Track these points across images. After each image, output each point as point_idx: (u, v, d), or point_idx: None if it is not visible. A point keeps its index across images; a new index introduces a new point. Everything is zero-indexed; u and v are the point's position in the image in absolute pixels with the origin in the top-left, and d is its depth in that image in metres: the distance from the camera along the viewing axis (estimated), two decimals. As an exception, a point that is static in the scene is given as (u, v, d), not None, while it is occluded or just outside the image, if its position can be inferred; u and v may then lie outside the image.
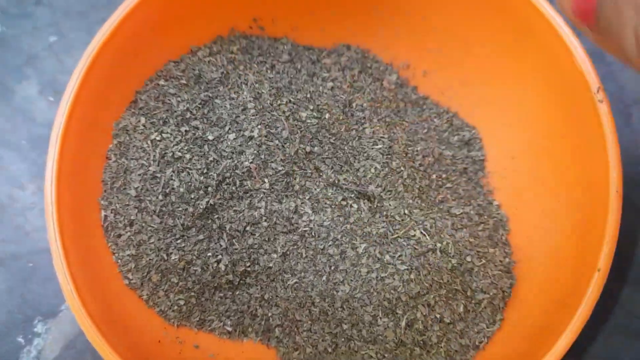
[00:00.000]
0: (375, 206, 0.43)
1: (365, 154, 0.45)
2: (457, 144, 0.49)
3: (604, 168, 0.37)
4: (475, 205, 0.46)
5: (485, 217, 0.46)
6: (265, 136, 0.43)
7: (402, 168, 0.45)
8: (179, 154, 0.42)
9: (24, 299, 0.49)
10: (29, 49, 0.54)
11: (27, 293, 0.49)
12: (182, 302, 0.43)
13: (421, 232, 0.42)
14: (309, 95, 0.46)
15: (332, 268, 0.42)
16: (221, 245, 0.43)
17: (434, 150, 0.48)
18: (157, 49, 0.45)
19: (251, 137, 0.43)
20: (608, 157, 0.38)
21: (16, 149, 0.52)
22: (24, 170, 0.51)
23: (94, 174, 0.43)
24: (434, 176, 0.47)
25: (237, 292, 0.43)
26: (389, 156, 0.45)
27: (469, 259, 0.42)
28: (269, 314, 0.43)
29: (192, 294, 0.43)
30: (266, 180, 0.43)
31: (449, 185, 0.47)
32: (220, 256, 0.43)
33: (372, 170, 0.44)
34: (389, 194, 0.44)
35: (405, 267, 0.41)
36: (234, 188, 0.42)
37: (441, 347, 0.41)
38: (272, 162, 0.43)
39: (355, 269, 0.42)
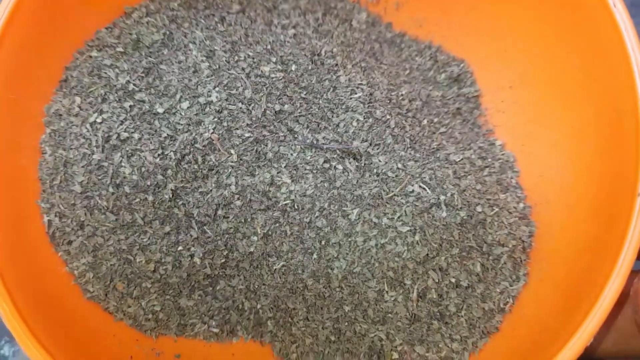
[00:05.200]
0: (363, 164, 0.37)
1: (344, 106, 0.38)
2: (446, 82, 0.43)
3: (629, 81, 0.31)
4: (476, 149, 0.41)
5: (490, 159, 0.40)
6: (226, 99, 0.36)
7: (387, 117, 0.38)
8: (126, 134, 0.36)
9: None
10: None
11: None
12: (157, 308, 0.37)
13: (420, 186, 0.36)
14: (269, 47, 0.39)
15: (323, 243, 0.36)
16: (192, 236, 0.36)
17: (421, 92, 0.42)
18: (83, 14, 0.38)
19: (209, 103, 0.36)
20: (632, 67, 0.31)
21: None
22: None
23: (27, 173, 0.36)
24: (424, 121, 0.41)
25: (218, 287, 0.38)
26: (371, 105, 0.38)
27: (479, 209, 0.37)
28: (258, 306, 0.38)
29: (168, 297, 0.37)
30: (233, 151, 0.36)
31: (442, 129, 0.41)
32: (192, 248, 0.36)
33: (354, 123, 0.38)
34: (377, 148, 0.38)
35: (408, 229, 0.35)
36: (196, 166, 0.36)
37: (461, 315, 0.35)
38: (236, 129, 0.36)
39: (349, 239, 0.36)
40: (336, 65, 0.40)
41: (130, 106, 0.36)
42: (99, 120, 0.36)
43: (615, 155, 0.33)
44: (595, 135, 0.35)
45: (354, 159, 0.37)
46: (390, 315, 0.35)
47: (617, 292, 0.29)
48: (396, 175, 0.37)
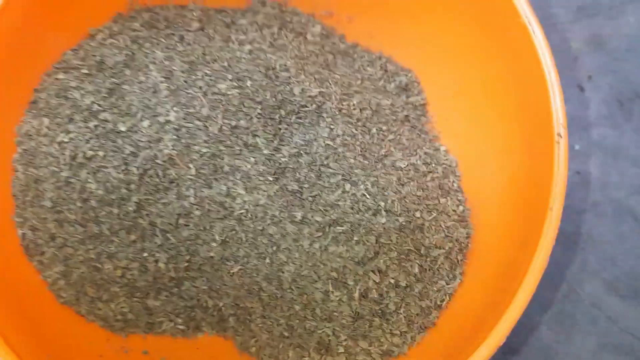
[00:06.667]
0: (319, 171, 0.40)
1: (295, 117, 0.41)
2: (395, 91, 0.46)
3: (544, 99, 0.34)
4: (421, 154, 0.44)
5: (433, 165, 0.43)
6: (183, 118, 0.39)
7: (337, 126, 0.41)
8: (91, 152, 0.39)
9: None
10: None
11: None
12: (126, 310, 0.40)
13: (362, 194, 0.39)
14: (226, 64, 0.42)
15: (275, 248, 0.39)
16: (156, 243, 0.39)
17: (371, 102, 0.44)
18: (50, 37, 0.41)
19: (167, 122, 0.39)
20: (547, 86, 0.34)
21: None
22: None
23: (3, 190, 0.39)
24: (374, 130, 0.43)
25: (183, 287, 0.41)
26: (320, 116, 0.41)
27: (417, 214, 0.40)
28: (220, 304, 0.41)
29: (135, 299, 0.40)
30: (191, 165, 0.39)
31: (391, 137, 0.44)
32: (157, 254, 0.40)
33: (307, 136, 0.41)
34: (329, 157, 0.41)
35: (347, 228, 0.38)
36: (157, 180, 0.39)
37: (400, 313, 0.39)
38: (194, 145, 0.39)
39: (297, 244, 0.39)
40: (289, 77, 0.42)
41: (95, 125, 0.39)
42: (66, 139, 0.39)
43: (535, 162, 0.36)
44: (520, 144, 0.38)
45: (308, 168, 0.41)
46: (335, 313, 0.39)
47: (535, 283, 0.33)
48: (344, 180, 0.40)
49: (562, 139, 0.33)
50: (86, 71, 0.41)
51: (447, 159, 0.44)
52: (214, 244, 0.40)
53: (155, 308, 0.41)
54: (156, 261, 0.40)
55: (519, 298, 0.33)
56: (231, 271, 0.40)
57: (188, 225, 0.39)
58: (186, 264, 0.40)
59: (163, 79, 0.40)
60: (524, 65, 0.37)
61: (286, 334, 0.40)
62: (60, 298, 0.39)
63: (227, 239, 0.40)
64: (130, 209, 0.39)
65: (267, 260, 0.39)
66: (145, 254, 0.39)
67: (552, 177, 0.34)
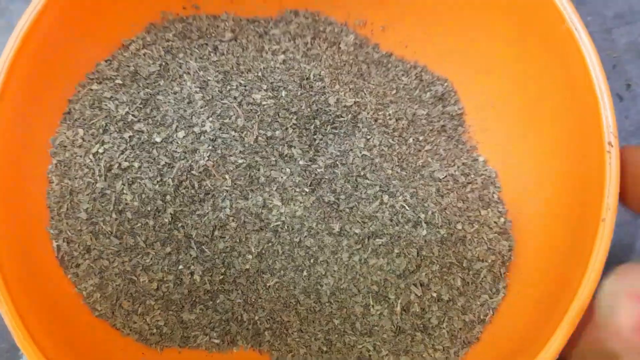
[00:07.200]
0: (356, 182, 0.39)
1: (331, 127, 0.41)
2: (431, 101, 0.45)
3: (594, 107, 0.33)
4: (459, 165, 0.43)
5: (472, 175, 0.42)
6: (219, 128, 0.39)
7: (374, 136, 0.41)
8: (126, 163, 0.38)
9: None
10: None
11: None
12: (161, 323, 0.39)
13: (401, 205, 0.38)
14: (260, 74, 0.41)
15: (312, 261, 0.38)
16: (191, 255, 0.39)
17: (407, 111, 0.43)
18: (84, 47, 0.40)
19: (203, 132, 0.39)
20: (596, 93, 0.33)
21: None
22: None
23: (37, 200, 0.38)
24: (410, 140, 0.43)
25: (218, 301, 0.40)
26: (357, 126, 0.41)
27: (459, 226, 0.39)
28: (256, 318, 0.40)
29: (171, 312, 0.39)
30: (227, 176, 0.38)
31: (428, 147, 0.43)
32: (192, 267, 0.39)
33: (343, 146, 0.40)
34: (366, 168, 0.40)
35: (385, 240, 0.38)
36: (193, 191, 0.38)
37: (443, 327, 0.38)
38: (230, 155, 0.38)
39: (336, 256, 0.38)
40: (324, 87, 0.42)
41: (129, 136, 0.39)
42: (100, 150, 0.39)
43: (583, 172, 0.35)
44: (567, 153, 0.37)
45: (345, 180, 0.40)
46: (376, 327, 0.38)
47: (587, 300, 0.32)
48: (379, 190, 0.39)
49: (613, 148, 0.32)
50: (120, 81, 0.41)
51: (486, 170, 0.43)
52: (249, 256, 0.39)
53: (190, 321, 0.40)
54: (191, 274, 0.39)
55: (571, 314, 0.32)
56: (267, 284, 0.39)
57: (224, 237, 0.39)
58: (221, 277, 0.39)
59: (198, 89, 0.40)
60: (570, 72, 0.35)
61: (324, 348, 0.39)
62: (96, 311, 0.38)
63: (263, 251, 0.39)
64: (166, 220, 0.38)
65: (305, 273, 0.39)
66: (180, 267, 0.39)
67: (604, 187, 0.32)
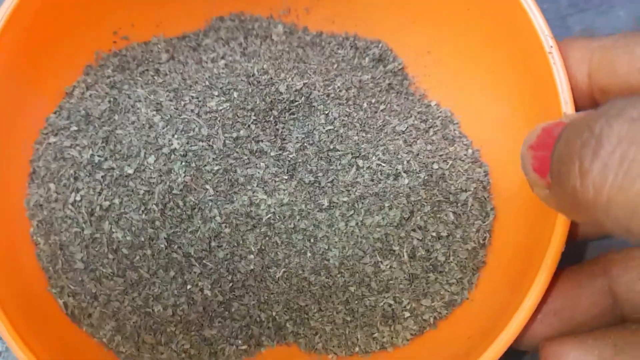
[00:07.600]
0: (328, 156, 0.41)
1: (289, 113, 0.42)
2: (372, 64, 0.47)
3: (528, 21, 0.36)
4: (415, 115, 0.45)
5: (431, 120, 0.44)
6: (187, 142, 0.39)
7: (329, 108, 0.42)
8: (107, 203, 0.38)
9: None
10: None
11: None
12: (187, 346, 0.40)
13: (377, 164, 0.40)
14: (207, 83, 0.42)
15: (312, 240, 0.39)
16: (195, 272, 0.39)
17: (353, 80, 0.45)
18: (29, 105, 0.40)
19: (173, 151, 0.39)
20: (524, 7, 0.36)
21: None
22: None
23: (30, 266, 0.38)
24: (365, 104, 0.44)
25: (233, 309, 0.40)
26: (311, 104, 0.42)
27: (435, 166, 0.41)
28: (273, 314, 0.41)
29: (193, 333, 0.40)
30: (207, 186, 0.39)
31: (382, 107, 0.45)
32: (200, 283, 0.39)
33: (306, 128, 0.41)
34: (334, 141, 0.41)
35: (374, 199, 0.39)
36: (179, 210, 0.39)
37: (451, 261, 0.40)
38: (205, 165, 0.39)
39: (333, 228, 0.39)
40: (271, 79, 0.43)
41: (102, 176, 0.39)
42: (78, 198, 0.39)
43: (532, 81, 0.38)
44: (512, 70, 0.40)
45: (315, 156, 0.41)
46: (391, 281, 0.39)
47: None
48: (352, 157, 0.41)
49: (553, 48, 0.35)
50: (75, 128, 0.41)
51: (440, 112, 0.45)
52: (251, 256, 0.40)
53: (212, 337, 0.40)
54: (201, 290, 0.39)
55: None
56: (275, 277, 0.40)
57: (221, 246, 0.39)
58: (230, 284, 0.40)
59: (154, 112, 0.40)
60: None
61: (348, 318, 0.40)
62: (121, 354, 0.38)
63: (263, 247, 0.40)
64: (162, 246, 0.38)
65: (309, 254, 0.40)
66: (189, 286, 0.39)
67: (556, 85, 0.35)
